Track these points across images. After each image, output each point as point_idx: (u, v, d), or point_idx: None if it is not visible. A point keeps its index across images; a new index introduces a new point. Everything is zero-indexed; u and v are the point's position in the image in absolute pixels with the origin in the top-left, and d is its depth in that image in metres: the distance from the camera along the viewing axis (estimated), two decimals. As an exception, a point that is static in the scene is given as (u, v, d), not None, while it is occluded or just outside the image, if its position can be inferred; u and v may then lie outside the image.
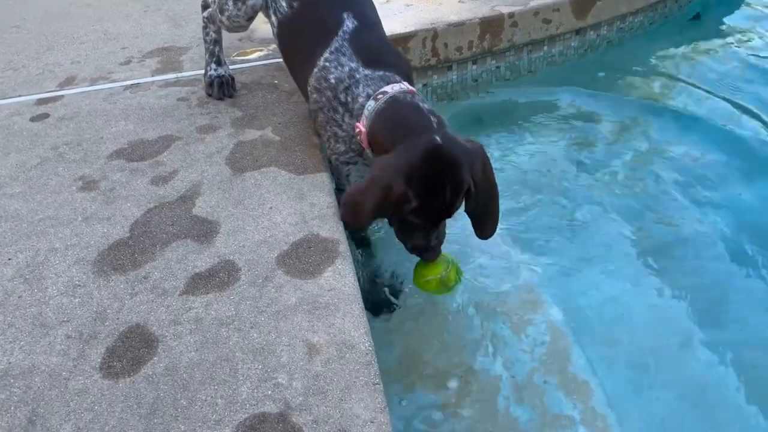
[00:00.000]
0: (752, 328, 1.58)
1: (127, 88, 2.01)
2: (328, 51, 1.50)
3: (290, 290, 1.20)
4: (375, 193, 1.25)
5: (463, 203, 1.35)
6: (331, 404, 0.98)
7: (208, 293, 1.21)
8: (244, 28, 1.84)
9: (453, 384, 1.41)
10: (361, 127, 1.38)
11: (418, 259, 1.45)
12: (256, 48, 2.28)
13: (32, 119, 1.87)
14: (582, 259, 1.80)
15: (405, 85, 1.40)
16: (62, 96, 1.99)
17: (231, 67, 2.03)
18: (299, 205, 1.44)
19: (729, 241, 1.85)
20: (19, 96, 2.02)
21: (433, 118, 1.32)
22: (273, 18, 1.70)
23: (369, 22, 1.57)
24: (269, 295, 1.19)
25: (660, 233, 1.94)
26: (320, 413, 0.97)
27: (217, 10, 1.80)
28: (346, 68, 1.47)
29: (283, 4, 1.64)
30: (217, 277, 1.25)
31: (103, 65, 2.19)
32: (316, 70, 1.52)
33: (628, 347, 1.51)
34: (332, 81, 1.47)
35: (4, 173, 1.62)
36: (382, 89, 1.38)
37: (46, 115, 1.88)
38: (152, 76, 2.09)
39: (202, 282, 1.24)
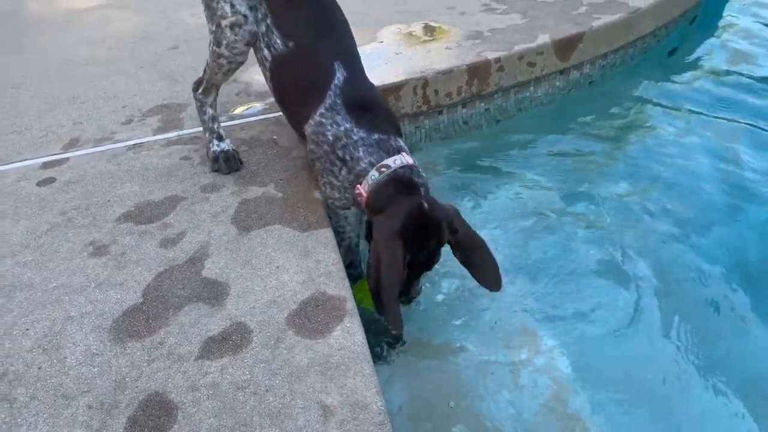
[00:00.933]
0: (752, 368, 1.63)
1: (130, 148, 2.08)
2: (322, 107, 1.61)
3: (302, 351, 1.26)
4: (386, 256, 1.43)
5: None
6: (349, 466, 1.03)
7: (222, 357, 1.26)
8: (244, 55, 1.82)
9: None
10: (363, 191, 1.53)
11: None
12: (253, 101, 2.35)
13: (39, 184, 1.93)
14: (577, 297, 1.86)
15: (404, 158, 1.55)
16: (67, 158, 2.05)
17: (229, 123, 2.10)
18: (305, 262, 1.50)
19: (723, 277, 1.91)
20: (25, 160, 2.07)
21: (422, 189, 1.54)
22: (266, 52, 1.76)
23: (357, 72, 1.68)
24: (282, 357, 1.24)
25: (651, 266, 2.01)
26: (339, 475, 1.02)
27: (215, 47, 1.81)
28: (342, 128, 1.58)
29: (278, 41, 1.72)
30: (231, 340, 1.30)
31: (105, 125, 2.26)
32: (312, 122, 1.63)
33: (628, 388, 1.56)
34: (329, 137, 1.59)
35: (16, 241, 1.67)
36: (385, 162, 1.53)
37: (52, 179, 1.94)
38: (154, 135, 2.15)
39: (216, 346, 1.29)
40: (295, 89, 1.73)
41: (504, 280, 1.55)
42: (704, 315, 1.78)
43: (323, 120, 1.60)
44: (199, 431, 1.11)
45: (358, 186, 1.55)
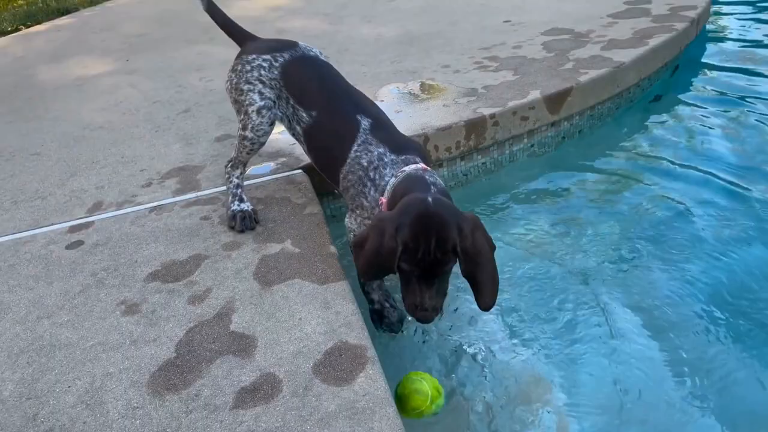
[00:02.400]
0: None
1: (152, 210, 2.20)
2: (356, 144, 1.82)
3: (329, 398, 1.35)
4: (372, 238, 1.51)
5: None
6: (381, 503, 1.12)
7: (255, 406, 1.35)
8: (268, 134, 2.04)
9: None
10: (383, 199, 1.68)
11: None
12: (265, 161, 2.49)
13: (67, 247, 2.04)
14: (576, 338, 1.97)
15: (421, 164, 1.71)
16: (93, 222, 2.17)
17: (245, 183, 2.24)
18: (325, 314, 1.61)
19: (716, 312, 2.02)
20: (52, 225, 2.20)
21: (433, 187, 1.60)
22: (298, 128, 2.00)
23: (381, 119, 1.90)
24: (311, 404, 1.34)
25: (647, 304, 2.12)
26: None
27: (241, 131, 2.03)
28: (375, 153, 1.79)
29: (304, 115, 1.96)
30: (262, 390, 1.39)
31: (126, 188, 2.39)
32: (348, 160, 1.82)
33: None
34: (364, 164, 1.79)
35: (51, 303, 1.77)
36: (402, 168, 1.69)
37: (80, 242, 2.06)
38: (173, 196, 2.28)
39: (248, 396, 1.38)
40: (328, 146, 1.92)
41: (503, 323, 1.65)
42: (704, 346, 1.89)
43: (358, 154, 1.81)
44: (239, 476, 1.20)
45: (381, 198, 1.70)
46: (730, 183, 2.69)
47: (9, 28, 5.81)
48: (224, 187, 2.18)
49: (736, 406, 1.72)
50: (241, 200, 2.07)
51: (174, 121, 3.06)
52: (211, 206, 2.18)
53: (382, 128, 1.86)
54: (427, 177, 1.65)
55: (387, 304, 1.89)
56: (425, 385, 1.56)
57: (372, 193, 1.75)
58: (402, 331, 1.90)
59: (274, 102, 2.01)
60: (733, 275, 2.22)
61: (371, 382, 1.38)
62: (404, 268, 1.50)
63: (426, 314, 1.53)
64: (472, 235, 1.49)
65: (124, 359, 1.53)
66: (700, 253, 2.35)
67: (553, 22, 3.83)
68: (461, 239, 1.47)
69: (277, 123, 2.06)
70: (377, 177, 1.75)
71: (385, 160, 1.76)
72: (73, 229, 2.15)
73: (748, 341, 1.91)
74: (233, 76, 2.04)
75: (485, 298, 1.54)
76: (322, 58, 2.06)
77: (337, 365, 1.44)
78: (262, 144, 2.07)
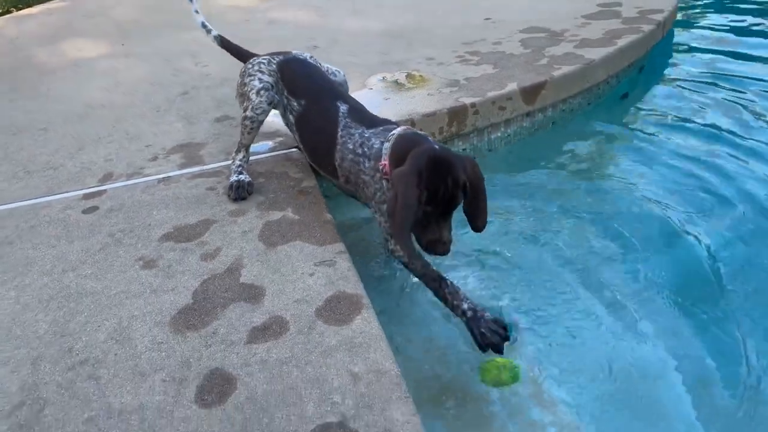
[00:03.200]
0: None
1: (160, 181, 2.39)
2: (339, 129, 2.07)
3: (331, 335, 1.57)
4: (399, 193, 1.68)
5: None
6: (377, 413, 1.35)
7: (267, 341, 1.57)
8: (266, 113, 2.33)
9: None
10: (385, 161, 1.89)
11: None
12: (262, 140, 2.69)
13: (84, 212, 2.22)
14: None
15: (404, 126, 1.95)
16: (105, 190, 2.36)
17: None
18: (325, 270, 1.82)
19: (677, 298, 2.23)
20: (66, 192, 2.37)
21: (430, 139, 1.87)
22: (291, 117, 2.29)
23: (356, 106, 2.17)
24: (315, 340, 1.56)
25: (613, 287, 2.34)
26: (370, 420, 1.33)
27: (243, 113, 2.30)
28: (356, 134, 2.03)
29: (295, 104, 2.25)
30: (272, 329, 1.61)
31: (134, 162, 2.57)
32: (338, 146, 2.07)
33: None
34: (350, 147, 2.03)
35: (74, 258, 1.96)
36: (390, 133, 1.93)
37: (95, 208, 2.24)
38: (179, 169, 2.47)
39: (260, 333, 1.60)
40: (315, 131, 2.19)
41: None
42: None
43: (343, 140, 2.06)
44: (256, 394, 1.42)
45: (381, 162, 1.90)
46: (690, 175, 2.95)
47: (0, 10, 5.89)
48: (227, 162, 2.39)
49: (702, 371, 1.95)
50: (240, 173, 2.28)
51: (174, 102, 3.24)
52: (216, 179, 2.38)
53: (357, 111, 2.13)
54: (419, 133, 1.93)
55: (479, 311, 1.84)
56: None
57: (367, 164, 1.97)
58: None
59: (272, 86, 2.30)
60: (690, 264, 2.41)
61: (367, 323, 1.61)
62: (426, 210, 1.72)
63: (446, 247, 1.77)
64: (474, 172, 1.77)
65: (146, 305, 1.73)
66: (660, 241, 2.58)
67: (531, 21, 4.08)
68: (467, 176, 1.75)
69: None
70: (366, 150, 1.98)
71: (366, 134, 2.01)
72: (87, 197, 2.33)
73: (709, 319, 2.14)
74: (239, 79, 2.38)
75: (481, 221, 1.84)
76: (311, 60, 2.40)
77: (336, 310, 1.66)
78: (261, 123, 2.32)
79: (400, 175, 1.72)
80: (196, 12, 2.64)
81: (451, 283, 1.88)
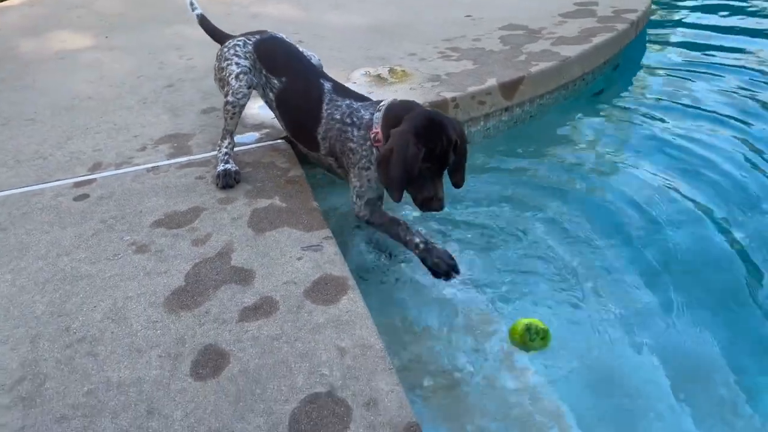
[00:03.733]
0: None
1: (149, 170, 2.45)
2: (324, 104, 2.19)
3: (319, 314, 1.66)
4: (396, 150, 1.85)
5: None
6: (363, 383, 1.44)
7: (258, 320, 1.65)
8: (246, 97, 2.39)
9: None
10: (377, 129, 2.04)
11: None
12: (249, 131, 2.76)
13: (75, 199, 2.28)
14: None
15: (392, 98, 2.11)
16: (95, 179, 2.41)
17: (235, 150, 2.50)
18: (312, 254, 1.91)
19: (652, 278, 2.36)
20: (57, 180, 2.42)
21: (419, 105, 2.04)
22: (270, 94, 2.38)
23: (339, 84, 2.29)
24: (304, 318, 1.65)
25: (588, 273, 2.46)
26: (356, 389, 1.42)
27: (225, 99, 2.37)
28: (344, 105, 2.16)
29: (275, 81, 2.34)
30: (262, 309, 1.69)
31: (123, 152, 2.63)
32: (323, 120, 2.18)
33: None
34: (338, 117, 2.15)
35: (67, 243, 2.02)
36: (380, 104, 2.09)
37: (86, 195, 2.30)
38: (168, 159, 2.54)
39: (251, 313, 1.68)
40: (298, 107, 2.30)
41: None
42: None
43: (329, 111, 2.18)
44: (249, 368, 1.50)
45: (372, 130, 2.04)
46: (664, 167, 3.08)
47: (-21, 1, 5.84)
48: (215, 152, 2.46)
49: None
50: (227, 162, 2.35)
51: (160, 94, 3.29)
52: (204, 168, 2.45)
53: (342, 89, 2.26)
54: (408, 101, 2.09)
55: (431, 243, 2.07)
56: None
57: (356, 132, 2.10)
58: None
59: (250, 69, 2.38)
60: (659, 253, 2.52)
61: (353, 303, 1.70)
62: (423, 167, 1.89)
63: (441, 203, 1.97)
64: (461, 132, 1.98)
65: (140, 286, 1.80)
66: (624, 232, 2.70)
67: (510, 19, 4.19)
68: (457, 136, 1.93)
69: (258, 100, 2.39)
70: (356, 120, 2.11)
71: (355, 106, 2.15)
72: (77, 185, 2.38)
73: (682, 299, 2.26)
74: (216, 63, 2.45)
75: (461, 177, 2.04)
76: (288, 40, 2.49)
77: (323, 291, 1.75)
78: (242, 107, 2.38)
79: (400, 133, 1.88)
80: None
81: (408, 225, 2.11)
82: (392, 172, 1.87)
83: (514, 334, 1.93)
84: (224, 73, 2.38)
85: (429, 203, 1.98)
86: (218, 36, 2.67)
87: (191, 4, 2.72)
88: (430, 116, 1.93)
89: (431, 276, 2.07)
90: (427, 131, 1.88)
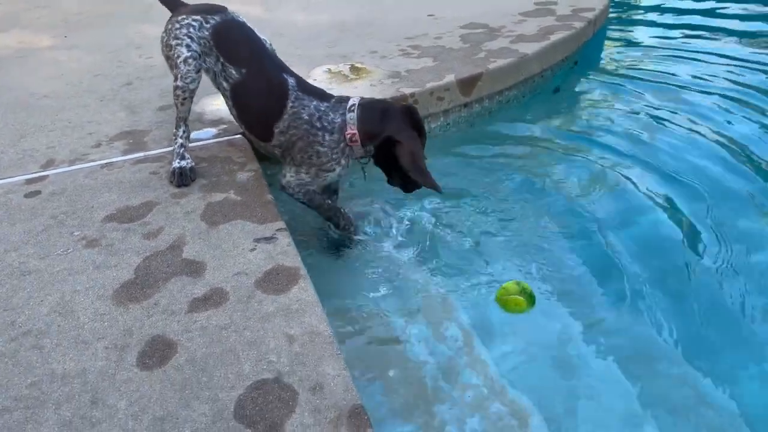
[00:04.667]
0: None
1: (103, 166, 2.43)
2: (290, 101, 2.18)
3: (269, 303, 1.67)
4: (409, 145, 2.10)
5: None
6: (310, 369, 1.45)
7: (207, 310, 1.65)
8: (195, 82, 2.31)
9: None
10: (353, 129, 2.14)
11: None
12: (206, 127, 2.75)
13: (26, 196, 2.25)
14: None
15: (356, 97, 2.21)
16: (47, 176, 2.38)
17: (191, 145, 2.49)
18: (265, 246, 1.91)
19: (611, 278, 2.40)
20: (9, 177, 2.38)
21: (387, 101, 2.28)
22: (225, 84, 2.32)
23: (301, 79, 2.28)
24: (254, 308, 1.65)
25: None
26: (303, 374, 1.43)
27: (174, 83, 2.31)
28: (311, 106, 2.17)
29: (233, 72, 2.28)
30: (212, 299, 1.69)
31: (77, 149, 2.59)
32: (285, 116, 2.18)
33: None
34: (305, 117, 2.15)
35: (16, 239, 1.99)
36: (349, 104, 2.17)
37: (38, 192, 2.26)
38: (123, 155, 2.51)
39: (200, 303, 1.68)
40: (257, 101, 2.26)
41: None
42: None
43: (295, 109, 2.17)
44: (196, 357, 1.50)
45: (347, 131, 2.13)
46: (613, 164, 3.15)
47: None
48: (170, 148, 2.44)
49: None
50: (182, 158, 2.32)
51: (117, 92, 3.26)
52: (159, 164, 2.43)
53: (307, 86, 2.26)
54: (375, 99, 2.26)
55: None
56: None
57: (327, 137, 2.16)
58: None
59: (200, 54, 2.29)
60: (614, 247, 2.59)
61: (303, 292, 1.70)
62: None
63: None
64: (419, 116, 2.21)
65: (89, 280, 1.78)
66: (576, 225, 2.75)
67: (471, 18, 4.25)
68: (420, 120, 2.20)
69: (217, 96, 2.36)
70: (326, 124, 2.16)
71: (323, 108, 2.17)
72: (29, 182, 2.35)
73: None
74: (164, 35, 2.34)
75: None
76: (249, 25, 2.40)
77: (274, 281, 1.75)
78: (192, 92, 2.32)
79: (409, 135, 2.10)
80: None
81: (345, 213, 2.36)
82: (423, 169, 2.09)
83: (507, 290, 2.14)
84: (172, 52, 2.28)
85: (411, 185, 2.26)
86: (171, 3, 2.47)
87: None
88: (408, 109, 2.18)
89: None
90: (416, 122, 2.15)
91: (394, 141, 2.11)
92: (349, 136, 2.14)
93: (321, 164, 2.19)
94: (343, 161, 2.22)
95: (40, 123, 2.90)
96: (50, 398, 1.41)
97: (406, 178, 2.20)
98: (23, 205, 2.19)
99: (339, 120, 2.15)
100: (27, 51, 4.11)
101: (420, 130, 2.17)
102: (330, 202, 2.34)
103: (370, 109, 2.15)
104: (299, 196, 2.27)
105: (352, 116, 2.13)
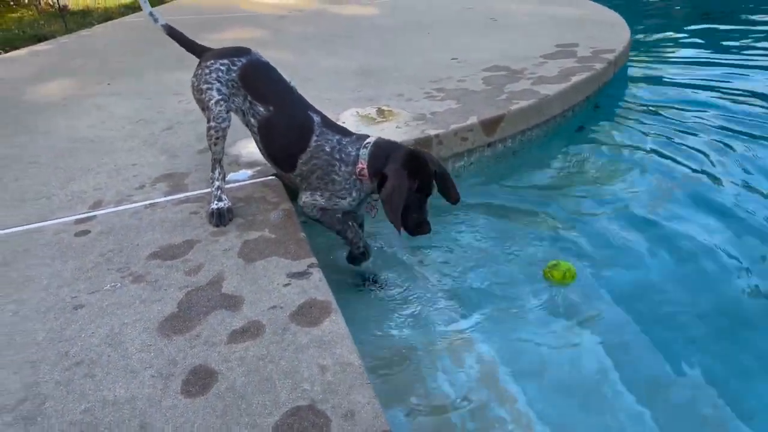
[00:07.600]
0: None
1: (147, 207, 2.59)
2: (314, 135, 2.34)
3: (302, 335, 1.77)
4: (397, 186, 2.15)
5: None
6: (341, 397, 1.54)
7: (245, 341, 1.76)
8: (227, 121, 2.47)
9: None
10: (363, 164, 2.28)
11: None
12: (243, 168, 2.91)
13: (76, 235, 2.41)
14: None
15: (376, 136, 2.35)
16: (95, 216, 2.54)
17: (228, 186, 2.64)
18: (299, 281, 2.02)
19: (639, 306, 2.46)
20: (59, 218, 2.55)
21: (401, 144, 2.34)
22: (253, 120, 2.48)
23: (326, 117, 2.45)
24: (289, 339, 1.75)
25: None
26: (335, 402, 1.52)
27: (207, 125, 2.46)
28: (334, 140, 2.33)
29: (261, 109, 2.44)
30: (250, 332, 1.80)
31: (122, 190, 2.77)
32: (309, 149, 2.34)
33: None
34: (328, 149, 2.31)
35: (68, 275, 2.14)
36: (366, 141, 2.32)
37: (87, 231, 2.42)
38: (165, 196, 2.67)
39: (239, 335, 1.79)
40: (284, 136, 2.42)
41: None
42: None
43: (319, 143, 2.34)
44: (235, 385, 1.60)
45: (358, 165, 2.28)
46: (634, 204, 3.21)
47: (-13, 52, 6.10)
48: (208, 189, 2.59)
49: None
50: (220, 200, 2.46)
51: (158, 137, 3.45)
52: (199, 204, 2.58)
53: (330, 123, 2.42)
54: (390, 140, 2.35)
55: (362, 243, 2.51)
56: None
57: (343, 168, 2.30)
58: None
59: (228, 97, 2.45)
60: (638, 280, 2.67)
61: (335, 325, 1.80)
62: (414, 196, 2.20)
63: (429, 226, 2.29)
64: (438, 162, 2.31)
65: (135, 314, 1.91)
66: (614, 253, 2.83)
67: (494, 61, 4.40)
68: (436, 167, 2.27)
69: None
70: (344, 156, 2.30)
71: (344, 142, 2.34)
72: (78, 222, 2.51)
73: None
74: (194, 80, 2.51)
75: (455, 194, 2.34)
76: (272, 65, 2.58)
77: (308, 314, 1.86)
78: (224, 131, 2.47)
79: (395, 171, 2.16)
80: (144, 1, 2.69)
81: (357, 229, 2.49)
82: (395, 204, 2.14)
83: (556, 268, 2.55)
84: (203, 96, 2.44)
85: (420, 227, 2.27)
86: (191, 46, 2.63)
87: (151, 14, 2.64)
88: (413, 153, 2.24)
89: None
90: (415, 166, 2.19)
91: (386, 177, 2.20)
92: (358, 170, 2.28)
93: (335, 191, 2.34)
94: (354, 193, 2.35)
95: (87, 166, 3.09)
96: (102, 422, 1.52)
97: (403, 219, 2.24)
98: (74, 243, 2.34)
99: (354, 153, 2.30)
100: (70, 99, 4.36)
101: (420, 173, 2.19)
102: (341, 216, 2.44)
103: (381, 147, 2.28)
104: (314, 213, 2.42)
105: (364, 152, 2.28)
